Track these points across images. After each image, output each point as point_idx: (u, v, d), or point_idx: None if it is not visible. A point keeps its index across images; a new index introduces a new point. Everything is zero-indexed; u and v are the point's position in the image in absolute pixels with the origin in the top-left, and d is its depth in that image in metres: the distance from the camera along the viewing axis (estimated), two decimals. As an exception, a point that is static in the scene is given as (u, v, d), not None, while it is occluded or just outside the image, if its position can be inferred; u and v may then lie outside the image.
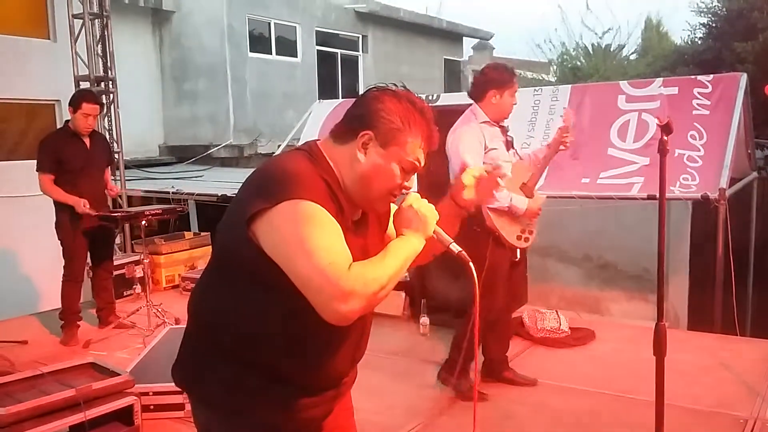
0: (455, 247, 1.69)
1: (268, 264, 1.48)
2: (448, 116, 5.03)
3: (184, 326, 1.76)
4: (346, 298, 1.41)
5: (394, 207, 1.77)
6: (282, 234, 1.45)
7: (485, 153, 3.68)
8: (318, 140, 1.68)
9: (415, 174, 1.68)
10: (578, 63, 18.82)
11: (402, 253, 1.58)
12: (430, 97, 8.07)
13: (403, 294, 5.56)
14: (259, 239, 1.49)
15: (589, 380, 4.13)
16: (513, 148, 3.91)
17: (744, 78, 6.38)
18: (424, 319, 5.19)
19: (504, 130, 3.85)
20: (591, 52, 19.28)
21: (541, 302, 6.16)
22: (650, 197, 5.58)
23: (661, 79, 7.02)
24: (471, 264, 1.66)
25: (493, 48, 21.36)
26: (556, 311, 5.11)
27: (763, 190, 8.30)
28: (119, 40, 8.74)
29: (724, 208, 5.51)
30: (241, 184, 1.62)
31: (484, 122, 3.76)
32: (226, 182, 9.06)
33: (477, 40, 20.54)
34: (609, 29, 18.83)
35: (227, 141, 11.74)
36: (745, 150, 6.97)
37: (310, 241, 1.42)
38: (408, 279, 5.73)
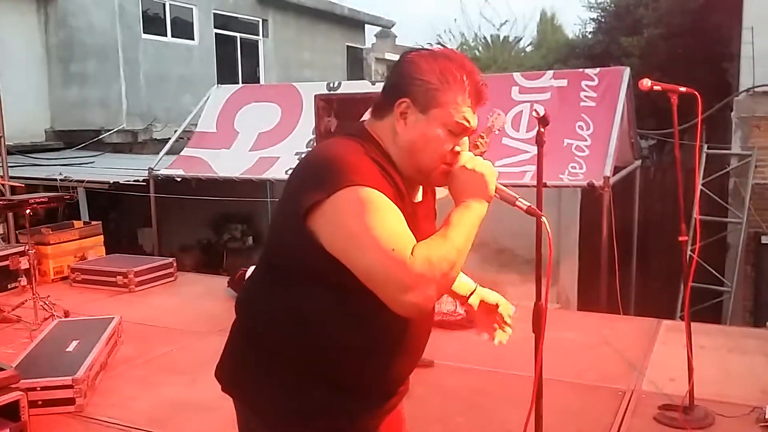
0: (522, 203, 1.55)
1: (329, 261, 1.37)
2: (349, 104, 5.08)
3: (77, 318, 1.68)
4: (414, 286, 1.29)
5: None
6: (340, 226, 1.34)
7: None
8: (364, 121, 1.56)
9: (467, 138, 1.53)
10: (477, 53, 19.29)
11: (466, 222, 1.42)
12: (332, 84, 8.06)
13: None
14: (317, 234, 1.37)
15: (482, 360, 4.28)
16: None
17: (627, 72, 6.75)
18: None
19: None
20: (489, 43, 19.81)
21: (440, 287, 6.31)
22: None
23: (552, 71, 7.32)
24: (544, 219, 1.56)
25: (396, 36, 21.53)
26: (453, 295, 5.25)
27: (646, 177, 8.84)
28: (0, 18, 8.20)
29: (608, 195, 5.84)
30: (290, 176, 1.49)
31: None
32: (119, 169, 8.72)
33: (380, 28, 20.64)
34: (506, 21, 19.41)
35: (120, 126, 11.27)
36: (628, 140, 7.40)
37: (369, 230, 1.31)
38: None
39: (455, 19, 25.78)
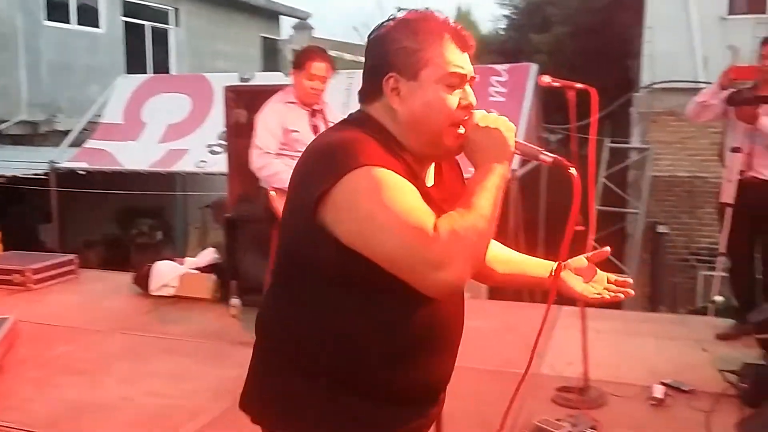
0: (547, 156, 1.40)
1: (348, 257, 1.25)
2: (260, 96, 5.00)
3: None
4: (444, 262, 1.19)
5: None
6: (353, 212, 1.22)
7: (286, 135, 3.67)
8: (359, 110, 1.44)
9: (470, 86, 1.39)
10: (393, 47, 19.41)
11: (489, 186, 1.30)
12: (245, 76, 7.95)
13: (213, 276, 5.46)
14: (330, 227, 1.24)
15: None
16: None
17: (534, 68, 6.98)
18: (235, 301, 5.13)
19: (315, 114, 3.76)
20: (406, 37, 19.91)
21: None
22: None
23: (463, 66, 7.46)
24: (572, 170, 1.38)
25: (312, 28, 21.36)
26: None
27: (552, 170, 9.14)
28: None
29: (514, 187, 6.03)
30: (291, 175, 1.37)
31: (290, 102, 3.75)
32: (18, 162, 8.31)
33: (297, 20, 20.44)
34: (422, 16, 19.57)
35: (19, 117, 10.73)
36: (535, 134, 7.64)
37: (385, 210, 1.20)
38: (219, 260, 5.64)
39: (372, 13, 25.82)
